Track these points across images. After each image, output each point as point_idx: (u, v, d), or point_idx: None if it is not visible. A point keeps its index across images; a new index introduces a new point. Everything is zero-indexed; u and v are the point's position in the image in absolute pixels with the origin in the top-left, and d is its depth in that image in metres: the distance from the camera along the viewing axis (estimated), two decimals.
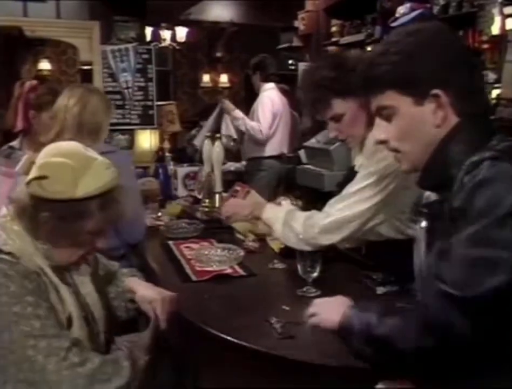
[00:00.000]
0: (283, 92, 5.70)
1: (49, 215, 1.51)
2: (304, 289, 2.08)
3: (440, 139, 1.29)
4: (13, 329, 1.43)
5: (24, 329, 1.43)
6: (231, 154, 5.64)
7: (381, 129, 1.38)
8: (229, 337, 1.76)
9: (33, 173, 1.51)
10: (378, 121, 1.40)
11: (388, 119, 1.34)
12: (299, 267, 2.09)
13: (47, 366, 1.44)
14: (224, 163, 3.92)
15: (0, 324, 1.44)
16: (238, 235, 2.82)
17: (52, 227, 1.52)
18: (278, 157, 5.45)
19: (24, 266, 1.50)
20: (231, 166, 5.69)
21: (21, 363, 1.45)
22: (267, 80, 5.48)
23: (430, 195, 1.39)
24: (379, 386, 1.35)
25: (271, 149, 5.43)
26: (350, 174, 2.30)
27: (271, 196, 2.96)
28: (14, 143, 3.22)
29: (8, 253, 1.50)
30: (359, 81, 1.41)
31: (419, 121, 1.30)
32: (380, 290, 2.04)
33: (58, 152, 1.57)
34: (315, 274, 2.07)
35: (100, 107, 2.69)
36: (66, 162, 1.52)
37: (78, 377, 1.46)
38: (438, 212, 1.29)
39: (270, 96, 5.39)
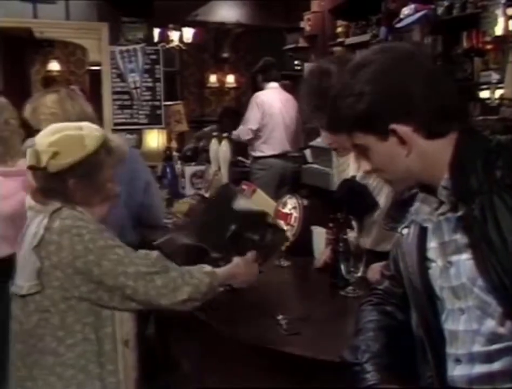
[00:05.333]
0: (288, 89, 5.77)
1: (76, 180, 1.72)
2: (347, 289, 2.09)
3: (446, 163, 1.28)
4: (102, 263, 1.64)
5: (112, 258, 1.65)
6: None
7: (364, 162, 1.40)
8: (234, 333, 1.81)
9: (45, 156, 1.68)
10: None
11: (365, 153, 1.35)
12: (342, 267, 2.08)
13: (138, 289, 1.67)
14: (233, 161, 3.98)
15: (90, 260, 1.64)
16: None
17: (81, 189, 1.74)
18: (279, 156, 5.52)
19: (90, 218, 1.74)
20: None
21: (113, 291, 1.67)
22: (268, 79, 5.58)
23: (419, 208, 1.37)
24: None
25: (271, 148, 5.50)
26: (346, 187, 2.33)
27: (274, 195, 3.00)
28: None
29: (72, 208, 1.72)
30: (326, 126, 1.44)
31: (389, 154, 1.30)
32: None
33: (51, 132, 1.77)
34: (358, 275, 2.07)
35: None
36: (65, 133, 1.74)
37: (162, 297, 1.70)
38: (465, 225, 1.25)
39: (259, 98, 5.51)
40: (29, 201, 1.80)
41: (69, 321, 1.67)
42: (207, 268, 1.83)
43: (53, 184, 1.72)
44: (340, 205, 2.33)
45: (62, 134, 1.74)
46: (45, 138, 1.75)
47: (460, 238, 1.27)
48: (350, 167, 2.37)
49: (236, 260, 1.97)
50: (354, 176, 2.32)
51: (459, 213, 1.26)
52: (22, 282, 1.71)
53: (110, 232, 1.75)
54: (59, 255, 1.64)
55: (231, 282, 1.95)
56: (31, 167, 1.71)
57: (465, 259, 1.26)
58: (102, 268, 1.64)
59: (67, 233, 1.65)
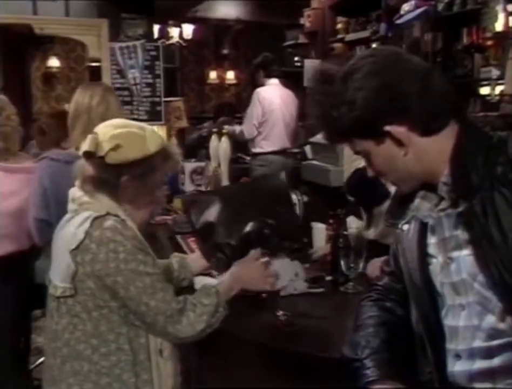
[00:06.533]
0: (288, 86, 5.76)
1: (129, 178, 1.70)
2: (347, 285, 2.11)
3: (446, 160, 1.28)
4: (129, 287, 1.63)
5: (138, 285, 1.64)
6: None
7: (368, 167, 1.42)
8: (234, 330, 1.82)
9: (106, 146, 1.67)
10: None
11: (367, 158, 1.37)
12: (342, 263, 2.09)
13: (157, 323, 1.67)
14: (233, 158, 3.99)
15: (118, 281, 1.63)
16: None
17: (133, 188, 1.72)
18: (279, 152, 5.51)
19: (130, 226, 1.70)
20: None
21: (137, 315, 1.67)
22: (269, 76, 5.57)
23: (419, 204, 1.38)
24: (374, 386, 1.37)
25: (271, 144, 5.49)
26: (359, 176, 2.32)
27: None
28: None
29: (115, 215, 1.69)
30: (325, 137, 1.45)
31: (389, 156, 1.32)
32: None
33: (115, 125, 1.76)
34: (358, 271, 2.09)
35: (118, 105, 2.74)
36: (129, 130, 1.73)
37: (180, 332, 1.70)
38: (466, 220, 1.26)
39: (260, 94, 5.49)
40: (74, 192, 1.76)
41: (102, 330, 1.66)
42: (210, 288, 1.80)
43: (106, 175, 1.70)
44: (351, 193, 2.34)
45: (126, 130, 1.72)
46: (109, 129, 1.73)
47: (461, 234, 1.27)
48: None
49: (233, 268, 1.95)
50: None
51: (460, 209, 1.26)
52: (57, 281, 1.69)
53: (146, 251, 1.71)
54: (93, 267, 1.62)
55: (238, 288, 1.88)
56: (87, 153, 1.69)
57: (465, 255, 1.26)
58: (128, 293, 1.63)
59: (105, 247, 1.62)
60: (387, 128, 1.27)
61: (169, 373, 1.76)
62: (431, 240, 1.36)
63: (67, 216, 1.77)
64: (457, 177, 1.27)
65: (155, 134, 1.78)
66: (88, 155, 1.69)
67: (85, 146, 1.69)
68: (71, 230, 1.68)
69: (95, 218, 1.66)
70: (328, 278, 2.19)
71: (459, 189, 1.26)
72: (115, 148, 1.66)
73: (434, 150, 1.29)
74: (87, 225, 1.64)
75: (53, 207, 2.49)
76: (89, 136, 1.69)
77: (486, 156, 1.24)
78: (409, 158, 1.30)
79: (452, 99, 1.32)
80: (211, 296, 1.76)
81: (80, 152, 1.72)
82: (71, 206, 1.76)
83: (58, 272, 1.69)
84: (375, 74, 1.28)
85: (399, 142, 1.28)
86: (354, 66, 1.32)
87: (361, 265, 2.07)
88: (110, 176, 1.70)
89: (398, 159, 1.31)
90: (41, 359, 3.46)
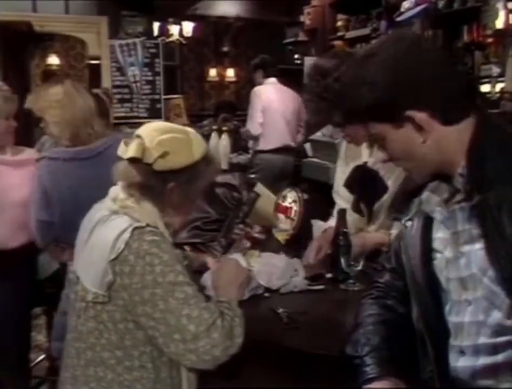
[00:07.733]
0: (287, 83, 5.77)
1: (175, 184, 1.68)
2: (348, 283, 2.09)
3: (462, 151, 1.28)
4: (169, 299, 1.57)
5: (180, 296, 1.57)
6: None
7: (381, 152, 1.41)
8: None
9: (155, 153, 1.64)
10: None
11: (381, 142, 1.36)
12: (342, 260, 2.08)
13: (199, 335, 1.56)
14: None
15: (157, 293, 1.57)
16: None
17: (179, 193, 1.70)
18: (280, 150, 5.52)
19: (168, 239, 1.67)
20: (235, 158, 5.74)
21: (173, 333, 1.57)
22: (267, 76, 5.58)
23: (428, 197, 1.37)
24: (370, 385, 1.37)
25: (269, 142, 5.50)
26: (360, 172, 2.33)
27: (275, 189, 3.00)
28: None
29: (155, 227, 1.66)
30: (340, 116, 1.45)
31: (406, 142, 1.30)
32: None
33: (160, 130, 1.72)
34: (358, 268, 2.07)
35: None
36: (174, 136, 1.70)
37: (216, 350, 1.59)
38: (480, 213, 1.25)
39: (259, 92, 5.50)
40: (116, 192, 1.72)
41: (127, 344, 1.63)
42: (221, 304, 1.72)
43: (153, 182, 1.67)
44: (351, 190, 2.35)
45: (171, 135, 1.69)
46: (154, 134, 1.69)
47: (474, 228, 1.26)
48: (363, 153, 2.37)
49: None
50: (365, 162, 2.32)
51: (474, 202, 1.25)
52: (88, 285, 1.64)
53: (182, 264, 1.67)
54: (131, 279, 1.58)
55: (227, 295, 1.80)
56: (133, 160, 1.65)
57: (477, 249, 1.25)
58: (168, 304, 1.56)
59: (142, 260, 1.58)
60: (409, 113, 1.26)
61: (195, 383, 1.74)
62: (438, 234, 1.35)
63: (101, 213, 1.70)
64: (472, 169, 1.26)
65: (199, 139, 1.76)
66: (135, 161, 1.66)
67: (132, 151, 1.64)
68: (109, 238, 1.61)
69: (135, 228, 1.61)
70: (328, 275, 2.19)
71: (474, 181, 1.25)
72: (164, 155, 1.64)
73: (453, 140, 1.28)
74: (127, 235, 1.59)
75: (55, 206, 2.49)
76: (135, 141, 1.66)
77: (503, 148, 1.24)
78: (427, 145, 1.28)
79: (472, 91, 1.31)
80: (232, 305, 1.70)
81: (125, 156, 1.67)
82: (110, 205, 1.71)
83: (91, 276, 1.64)
84: (397, 58, 1.27)
85: (420, 128, 1.27)
86: (374, 49, 1.32)
87: (361, 262, 2.07)
88: (157, 183, 1.68)
89: (415, 146, 1.29)
90: (41, 357, 3.48)
